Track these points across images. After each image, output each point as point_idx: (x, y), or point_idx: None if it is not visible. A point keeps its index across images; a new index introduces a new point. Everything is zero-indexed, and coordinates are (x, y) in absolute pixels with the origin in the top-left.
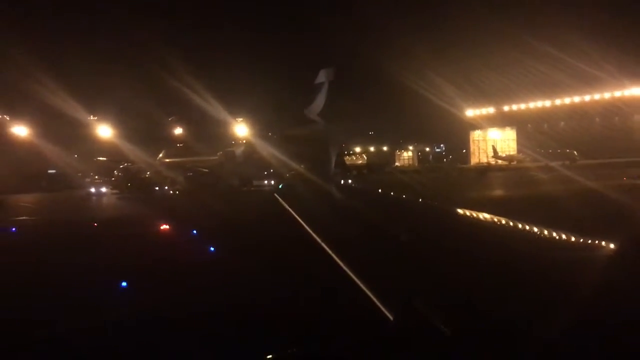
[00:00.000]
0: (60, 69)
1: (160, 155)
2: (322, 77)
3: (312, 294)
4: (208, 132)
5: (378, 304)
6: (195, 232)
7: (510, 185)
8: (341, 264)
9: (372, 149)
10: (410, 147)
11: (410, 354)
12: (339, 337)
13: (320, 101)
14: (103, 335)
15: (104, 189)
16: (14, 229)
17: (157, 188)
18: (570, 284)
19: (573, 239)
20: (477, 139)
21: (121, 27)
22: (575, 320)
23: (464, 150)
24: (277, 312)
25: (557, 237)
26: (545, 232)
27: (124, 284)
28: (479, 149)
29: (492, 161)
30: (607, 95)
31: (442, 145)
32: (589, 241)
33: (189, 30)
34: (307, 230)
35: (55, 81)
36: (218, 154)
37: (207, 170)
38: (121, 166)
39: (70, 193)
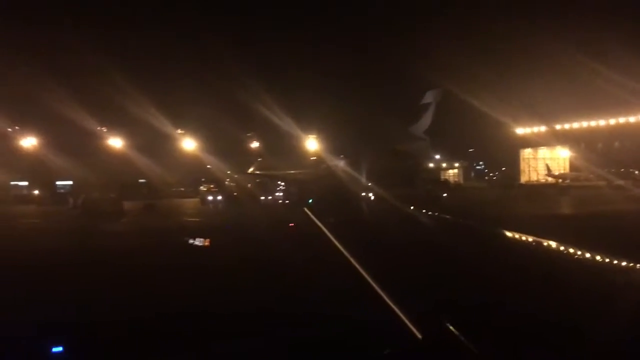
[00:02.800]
0: (150, 87)
1: (252, 168)
2: (429, 97)
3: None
4: (287, 147)
5: (406, 321)
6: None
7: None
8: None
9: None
10: (456, 164)
11: None
12: (369, 353)
13: (426, 120)
14: None
15: (219, 197)
16: (228, 227)
17: (262, 198)
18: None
19: None
20: (527, 157)
21: (205, 49)
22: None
23: (503, 168)
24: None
25: None
26: None
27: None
28: (529, 166)
29: (545, 179)
30: None
31: (481, 162)
32: None
33: (275, 53)
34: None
35: (147, 97)
36: (309, 168)
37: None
38: (228, 178)
39: (178, 201)
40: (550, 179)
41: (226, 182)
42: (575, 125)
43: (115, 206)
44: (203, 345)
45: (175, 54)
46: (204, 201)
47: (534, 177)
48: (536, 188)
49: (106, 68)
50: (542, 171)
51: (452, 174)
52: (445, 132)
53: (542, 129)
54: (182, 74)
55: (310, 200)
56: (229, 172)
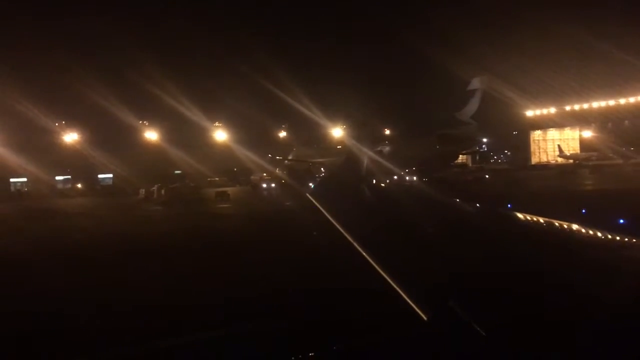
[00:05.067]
0: (188, 82)
1: (290, 156)
2: (475, 84)
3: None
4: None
5: (411, 303)
6: None
7: None
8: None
9: None
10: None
11: (444, 353)
12: (374, 335)
13: (473, 106)
14: None
15: (272, 184)
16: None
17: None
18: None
19: None
20: (537, 138)
21: (241, 45)
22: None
23: (507, 152)
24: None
25: None
26: None
27: None
28: (539, 148)
29: (555, 160)
30: None
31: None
32: None
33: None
34: None
35: (185, 92)
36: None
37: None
38: (286, 162)
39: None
40: (560, 160)
41: (277, 170)
42: (585, 106)
43: (195, 194)
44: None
45: (216, 52)
46: (256, 187)
47: (543, 159)
48: (563, 167)
49: (148, 65)
50: (552, 153)
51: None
52: (490, 117)
53: (552, 110)
54: (219, 71)
55: (312, 186)
56: (267, 160)
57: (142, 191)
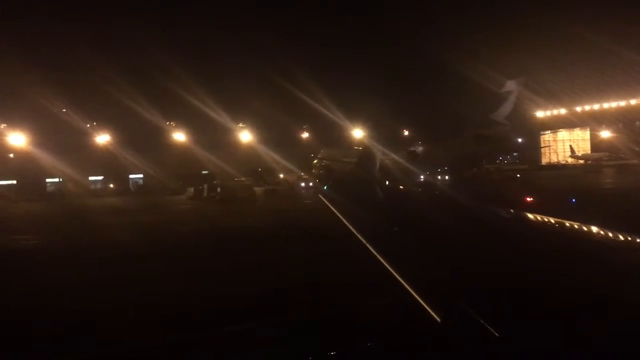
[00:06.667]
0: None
1: (318, 156)
2: (510, 86)
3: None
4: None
5: (424, 305)
6: None
7: None
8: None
9: None
10: None
11: (458, 354)
12: (388, 337)
13: (507, 107)
14: None
15: (310, 184)
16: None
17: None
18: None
19: None
20: (547, 139)
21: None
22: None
23: (515, 154)
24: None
25: None
26: None
27: None
28: (549, 149)
29: (565, 160)
30: None
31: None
32: None
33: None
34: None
35: (210, 94)
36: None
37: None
38: (321, 164)
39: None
40: (571, 160)
41: (312, 170)
42: (596, 107)
43: (250, 192)
44: None
45: (240, 55)
46: (292, 187)
47: (554, 159)
48: (585, 166)
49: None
50: (562, 153)
51: None
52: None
53: (562, 111)
54: (243, 74)
55: (325, 187)
56: (308, 160)
57: (191, 190)
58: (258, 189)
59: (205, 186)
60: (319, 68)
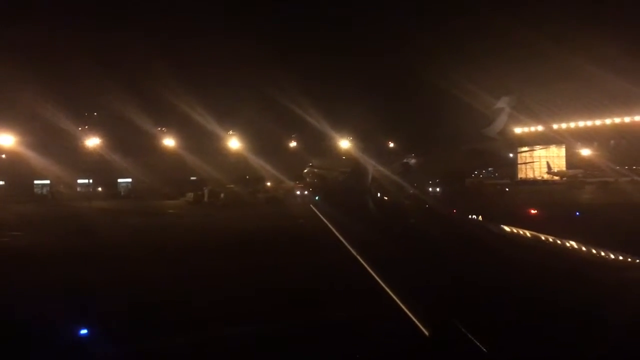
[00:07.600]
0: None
1: (310, 164)
2: (502, 102)
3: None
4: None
5: (414, 319)
6: None
7: None
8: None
9: None
10: None
11: None
12: (377, 350)
13: (500, 123)
14: None
15: (305, 192)
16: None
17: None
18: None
19: None
20: (523, 155)
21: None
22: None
23: (490, 168)
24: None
25: None
26: None
27: None
28: (525, 165)
29: (542, 177)
30: None
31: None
32: None
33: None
34: None
35: (200, 101)
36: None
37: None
38: (314, 172)
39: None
40: (546, 176)
41: (307, 179)
42: (572, 125)
43: (253, 197)
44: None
45: (230, 64)
46: (287, 195)
47: (530, 175)
48: (566, 183)
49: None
50: (538, 169)
51: None
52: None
53: (539, 128)
54: (233, 83)
55: (317, 198)
56: (307, 168)
57: (190, 195)
58: (261, 196)
59: (206, 191)
60: (310, 79)
